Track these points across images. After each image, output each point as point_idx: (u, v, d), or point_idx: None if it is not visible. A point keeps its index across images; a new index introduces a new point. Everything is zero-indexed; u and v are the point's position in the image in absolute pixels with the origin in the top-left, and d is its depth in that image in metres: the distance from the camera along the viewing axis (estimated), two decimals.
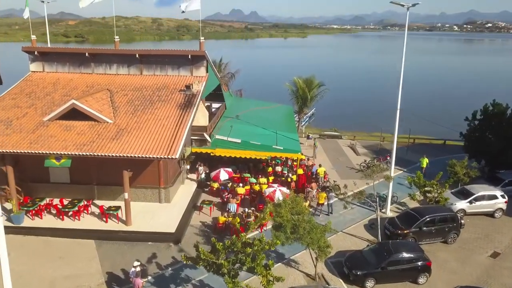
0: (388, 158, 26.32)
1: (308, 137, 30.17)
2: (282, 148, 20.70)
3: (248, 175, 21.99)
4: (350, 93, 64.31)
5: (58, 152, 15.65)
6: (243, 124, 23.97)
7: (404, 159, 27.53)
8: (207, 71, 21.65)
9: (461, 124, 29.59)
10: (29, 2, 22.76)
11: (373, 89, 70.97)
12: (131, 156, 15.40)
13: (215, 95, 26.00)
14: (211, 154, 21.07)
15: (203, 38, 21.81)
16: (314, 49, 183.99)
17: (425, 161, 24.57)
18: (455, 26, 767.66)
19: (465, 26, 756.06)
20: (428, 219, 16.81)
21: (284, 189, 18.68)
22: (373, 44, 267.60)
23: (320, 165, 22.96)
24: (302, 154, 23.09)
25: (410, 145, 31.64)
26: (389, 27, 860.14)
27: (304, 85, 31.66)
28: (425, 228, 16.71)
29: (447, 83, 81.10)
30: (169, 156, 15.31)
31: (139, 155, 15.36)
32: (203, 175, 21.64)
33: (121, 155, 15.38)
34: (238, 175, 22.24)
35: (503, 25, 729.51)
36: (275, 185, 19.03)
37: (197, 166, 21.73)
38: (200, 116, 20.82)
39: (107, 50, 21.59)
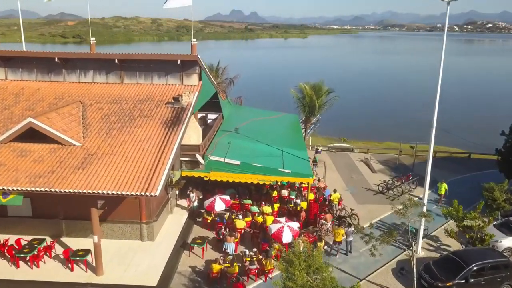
0: (411, 177, 22.89)
1: (316, 151, 26.72)
2: (290, 171, 17.23)
3: (249, 201, 18.54)
4: (358, 98, 60.81)
5: (5, 188, 12.18)
6: (243, 140, 20.50)
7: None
8: (200, 79, 18.21)
9: (487, 134, 26.29)
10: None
11: (382, 93, 67.32)
12: (97, 193, 11.94)
13: (211, 104, 22.56)
14: (205, 178, 17.61)
15: (195, 40, 18.38)
16: (316, 50, 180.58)
17: (443, 187, 20.88)
18: (455, 27, 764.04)
19: (465, 26, 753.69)
20: (476, 267, 13.35)
21: (294, 225, 15.23)
22: (375, 44, 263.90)
23: (335, 190, 19.46)
24: (314, 178, 19.67)
25: (433, 159, 28.14)
26: (389, 28, 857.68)
27: (312, 92, 28.17)
28: (472, 279, 13.25)
29: (465, 86, 77.43)
30: (147, 193, 11.85)
31: (108, 192, 11.89)
32: (195, 203, 18.18)
33: (85, 191, 11.92)
34: (237, 201, 18.80)
35: (503, 25, 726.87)
36: (282, 219, 15.55)
37: (188, 192, 18.26)
38: (192, 134, 17.37)
39: (81, 54, 18.14)
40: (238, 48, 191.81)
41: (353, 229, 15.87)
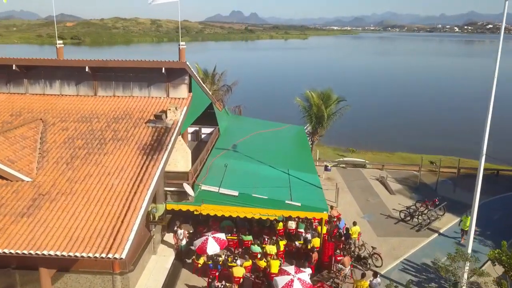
0: (437, 202, 19.70)
1: (326, 168, 23.54)
2: (299, 204, 14.05)
3: (249, 237, 15.35)
4: (365, 103, 57.44)
5: None
6: (242, 160, 17.32)
7: (453, 200, 20.87)
8: (190, 90, 15.07)
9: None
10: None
11: (390, 98, 63.61)
12: (42, 255, 8.76)
13: (205, 115, 19.37)
14: (195, 212, 14.43)
15: (183, 43, 15.23)
16: (317, 51, 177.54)
17: (468, 221, 16.35)
18: (456, 28, 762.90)
19: (466, 27, 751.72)
20: None
21: (305, 277, 12.04)
22: (377, 45, 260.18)
23: (354, 223, 16.22)
24: (332, 210, 16.54)
25: (454, 176, 25.02)
26: (389, 28, 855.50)
27: (319, 101, 24.96)
28: None
29: (480, 89, 74.27)
30: (110, 255, 8.67)
31: (56, 253, 8.71)
32: (183, 242, 14.99)
33: (24, 252, 8.75)
34: (235, 237, 15.62)
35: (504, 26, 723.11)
36: (291, 269, 12.33)
37: (175, 227, 15.07)
38: (179, 158, 14.19)
39: (46, 61, 14.97)
40: (238, 49, 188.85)
41: (379, 280, 12.67)
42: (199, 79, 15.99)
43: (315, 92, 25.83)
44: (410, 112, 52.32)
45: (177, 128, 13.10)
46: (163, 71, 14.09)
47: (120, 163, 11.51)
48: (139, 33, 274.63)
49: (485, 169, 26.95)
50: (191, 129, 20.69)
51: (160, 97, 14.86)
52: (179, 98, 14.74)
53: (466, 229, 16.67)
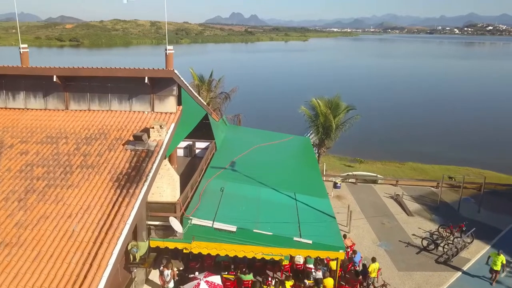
0: (464, 227, 17.28)
1: (335, 185, 21.15)
2: (310, 242, 11.64)
3: (250, 277, 12.93)
4: (372, 108, 55.32)
5: None
6: (242, 183, 14.90)
7: (479, 223, 18.44)
8: (179, 103, 12.70)
9: None
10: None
11: (397, 102, 60.93)
12: None
13: (200, 127, 16.99)
14: (184, 250, 12.01)
15: (171, 47, 12.83)
16: (319, 53, 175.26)
17: (500, 261, 13.96)
18: (456, 29, 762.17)
19: (466, 29, 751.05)
20: None
21: None
22: (380, 47, 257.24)
23: (373, 259, 13.77)
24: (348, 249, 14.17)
25: (477, 193, 22.56)
26: (389, 30, 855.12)
27: (327, 110, 22.59)
28: None
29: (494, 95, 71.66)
30: None
31: None
32: (171, 284, 12.54)
33: None
34: (233, 275, 13.20)
35: (504, 28, 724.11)
36: None
37: (161, 267, 12.62)
38: (165, 187, 11.76)
39: (8, 68, 12.58)
40: (238, 51, 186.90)
41: None
42: (191, 89, 13.59)
43: (322, 100, 23.46)
44: (419, 118, 49.70)
45: (161, 151, 10.71)
46: (146, 80, 11.70)
47: (86, 200, 9.11)
48: (139, 35, 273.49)
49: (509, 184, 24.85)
50: (183, 143, 18.32)
51: (143, 112, 12.48)
52: (166, 113, 12.35)
53: (497, 269, 14.19)
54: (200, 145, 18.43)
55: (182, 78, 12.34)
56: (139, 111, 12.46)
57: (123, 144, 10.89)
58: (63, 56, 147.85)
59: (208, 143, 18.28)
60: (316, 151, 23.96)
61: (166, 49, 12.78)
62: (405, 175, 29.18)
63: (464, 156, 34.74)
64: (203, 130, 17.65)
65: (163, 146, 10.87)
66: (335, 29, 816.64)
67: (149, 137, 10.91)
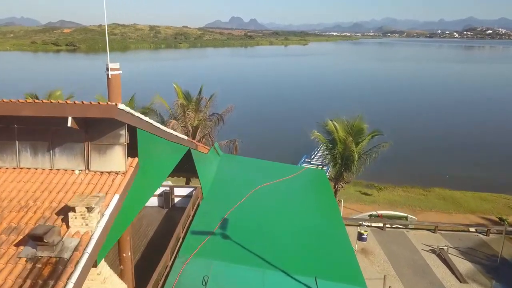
0: None
1: (360, 237, 16.22)
2: None
3: None
4: (387, 121, 50.45)
5: None
6: (235, 264, 9.96)
7: None
8: (134, 153, 7.79)
9: None
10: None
11: (416, 114, 54.30)
12: None
13: (183, 164, 12.11)
14: None
15: (115, 65, 7.89)
16: (321, 58, 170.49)
17: None
18: (455, 33, 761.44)
19: (465, 32, 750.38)
20: None
21: None
22: (383, 51, 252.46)
23: None
24: None
25: None
26: (389, 34, 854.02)
27: (346, 135, 17.72)
28: None
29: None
30: None
31: None
32: None
33: None
34: None
35: (503, 31, 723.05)
36: None
37: None
38: None
39: None
40: (237, 55, 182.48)
41: None
42: (159, 126, 8.64)
43: (340, 122, 18.55)
44: (441, 133, 44.02)
45: (85, 259, 5.77)
46: (70, 123, 6.75)
47: None
48: (137, 40, 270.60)
49: None
50: (160, 190, 13.41)
51: (72, 172, 7.55)
52: (109, 173, 7.42)
53: None
54: (181, 191, 13.50)
55: (135, 113, 7.44)
56: (65, 170, 7.53)
57: (16, 246, 5.97)
58: (61, 61, 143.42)
59: (192, 189, 13.35)
60: (333, 185, 19.01)
61: (107, 68, 7.80)
62: (433, 206, 24.38)
63: (499, 180, 29.82)
64: (188, 163, 12.74)
65: (91, 246, 5.95)
66: (334, 33, 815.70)
67: (60, 236, 5.98)
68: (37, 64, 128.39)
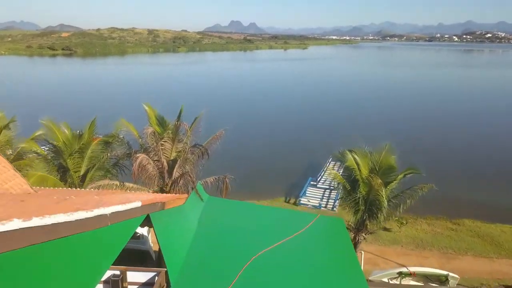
0: None
1: None
2: None
3: None
4: (400, 135, 45.85)
5: None
6: None
7: None
8: None
9: None
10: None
11: (436, 126, 48.58)
12: None
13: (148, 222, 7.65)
14: None
15: None
16: (323, 63, 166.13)
17: None
18: (455, 37, 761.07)
19: (465, 36, 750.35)
20: None
21: None
22: (387, 56, 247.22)
23: None
24: None
25: None
26: (388, 38, 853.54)
27: (375, 179, 13.26)
28: None
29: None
30: None
31: None
32: None
33: None
34: None
35: (503, 35, 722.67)
36: None
37: None
38: None
39: None
40: (235, 60, 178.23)
41: None
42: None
43: (362, 155, 14.12)
44: (470, 152, 38.74)
45: None
46: None
47: None
48: (135, 43, 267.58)
49: None
50: (106, 273, 8.91)
51: None
52: None
53: None
54: (138, 277, 9.01)
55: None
56: None
57: None
58: (56, 66, 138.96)
59: (154, 273, 8.87)
60: (353, 237, 14.54)
61: None
62: (468, 247, 20.09)
63: None
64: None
65: None
66: (333, 37, 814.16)
67: None
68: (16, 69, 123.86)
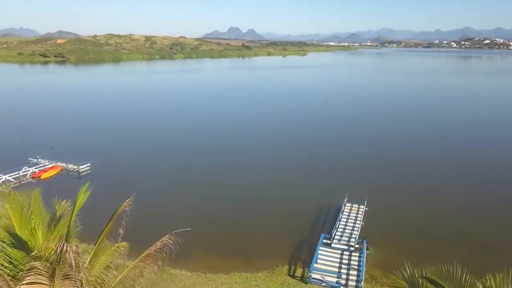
0: None
1: None
2: None
3: None
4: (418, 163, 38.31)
5: None
6: None
7: None
8: None
9: None
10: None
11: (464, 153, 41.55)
12: None
13: None
14: None
15: None
16: (327, 71, 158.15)
17: None
18: (453, 43, 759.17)
19: (463, 42, 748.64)
20: None
21: None
22: (388, 61, 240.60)
23: None
24: None
25: None
26: (386, 44, 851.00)
27: None
28: None
29: None
30: None
31: None
32: None
33: None
34: None
35: (501, 41, 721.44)
36: None
37: None
38: None
39: None
40: (232, 68, 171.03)
41: None
42: None
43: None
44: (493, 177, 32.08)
45: None
46: None
47: None
48: (131, 50, 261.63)
49: None
50: None
51: None
52: None
53: None
54: None
55: None
56: None
57: None
58: (49, 74, 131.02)
59: None
60: None
61: None
62: None
63: None
64: None
65: None
66: (332, 43, 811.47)
67: None
68: None
